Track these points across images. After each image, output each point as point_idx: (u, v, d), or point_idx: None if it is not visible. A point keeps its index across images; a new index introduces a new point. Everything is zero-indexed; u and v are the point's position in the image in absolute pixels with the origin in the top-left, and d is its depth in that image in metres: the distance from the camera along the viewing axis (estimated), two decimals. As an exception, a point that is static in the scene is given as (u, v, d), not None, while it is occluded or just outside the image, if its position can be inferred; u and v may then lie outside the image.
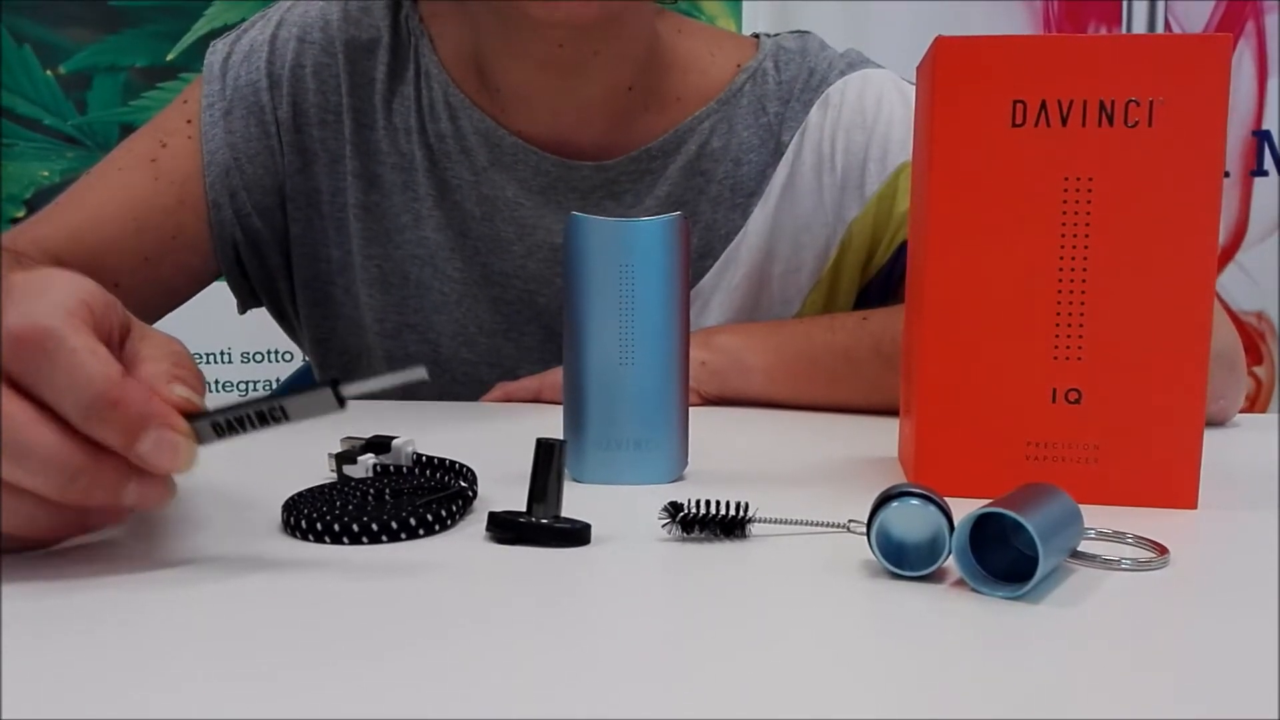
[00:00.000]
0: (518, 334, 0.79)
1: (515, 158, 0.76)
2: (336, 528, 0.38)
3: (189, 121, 0.76)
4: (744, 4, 1.79)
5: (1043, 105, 0.43)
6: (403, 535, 0.38)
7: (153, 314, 0.75)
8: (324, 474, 0.47)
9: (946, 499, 0.35)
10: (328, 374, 0.87)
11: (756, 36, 0.84)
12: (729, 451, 0.55)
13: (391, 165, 0.77)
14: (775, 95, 0.79)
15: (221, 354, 1.77)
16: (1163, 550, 0.37)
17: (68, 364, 0.33)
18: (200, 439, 0.35)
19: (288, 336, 0.91)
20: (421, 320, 0.79)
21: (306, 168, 0.78)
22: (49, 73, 1.81)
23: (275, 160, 0.77)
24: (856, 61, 0.80)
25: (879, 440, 0.56)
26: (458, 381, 0.80)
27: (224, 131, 0.76)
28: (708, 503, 0.39)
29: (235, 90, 0.76)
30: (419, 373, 0.34)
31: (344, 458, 0.45)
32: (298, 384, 1.19)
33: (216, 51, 0.78)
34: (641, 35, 0.76)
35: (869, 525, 0.35)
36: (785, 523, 0.40)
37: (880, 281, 0.79)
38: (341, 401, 0.35)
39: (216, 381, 1.78)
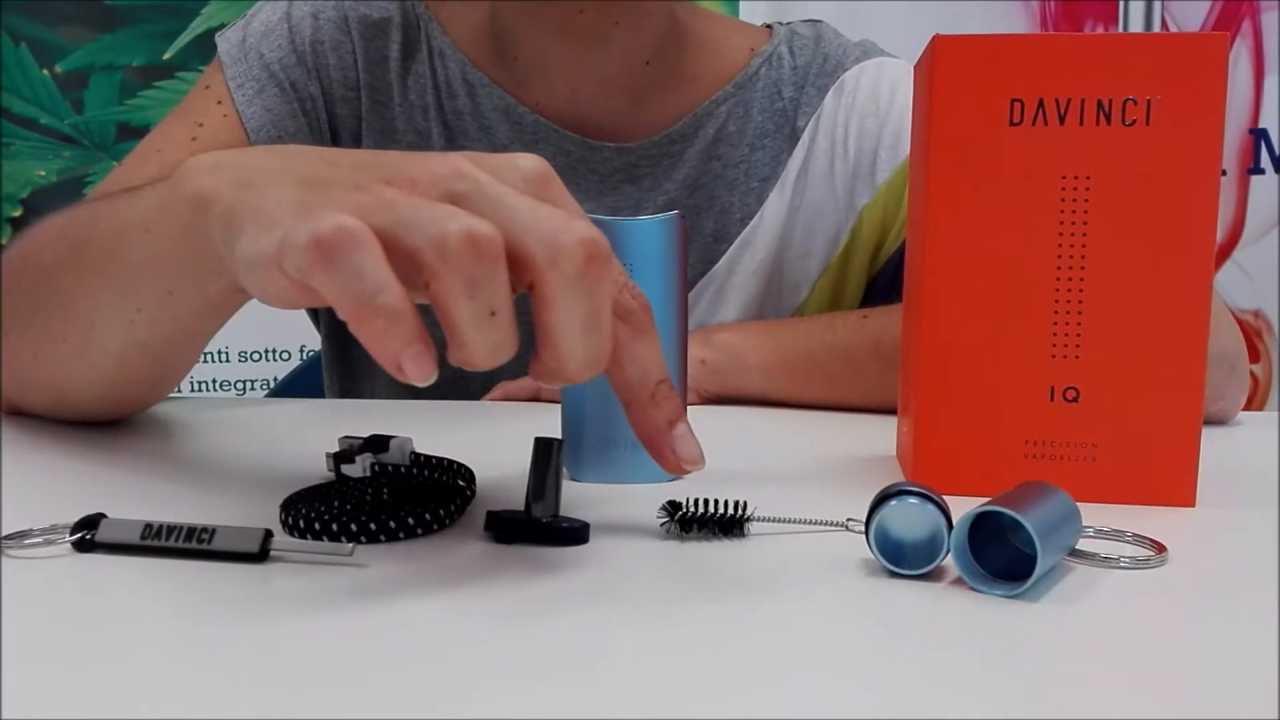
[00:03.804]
0: (529, 316, 0.79)
1: (536, 136, 0.76)
2: (335, 527, 0.37)
3: (220, 103, 0.74)
4: (741, 3, 1.79)
5: (1040, 104, 0.43)
6: (401, 535, 0.38)
7: None
8: (322, 473, 0.47)
9: (945, 497, 0.35)
10: (338, 357, 0.87)
11: (769, 25, 0.84)
12: (728, 450, 0.55)
13: (408, 144, 0.77)
14: (790, 80, 0.80)
15: (219, 354, 1.77)
16: (1161, 548, 0.37)
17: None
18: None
19: (309, 317, 0.92)
20: None
21: (321, 143, 0.77)
22: (45, 72, 1.81)
23: (311, 139, 0.76)
24: (871, 49, 0.81)
25: (877, 439, 0.56)
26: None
27: (262, 109, 0.74)
28: (706, 501, 0.39)
29: (264, 69, 0.75)
30: (346, 548, 0.36)
31: (342, 457, 0.45)
32: (295, 382, 1.18)
33: (228, 39, 0.77)
34: (662, 9, 0.76)
35: (867, 524, 0.35)
36: (784, 521, 0.40)
37: (888, 275, 0.79)
38: (265, 554, 0.36)
39: (214, 381, 1.78)
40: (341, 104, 0.77)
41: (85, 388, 0.55)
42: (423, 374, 0.32)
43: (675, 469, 0.39)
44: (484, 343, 0.32)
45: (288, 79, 0.75)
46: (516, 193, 0.34)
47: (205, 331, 0.50)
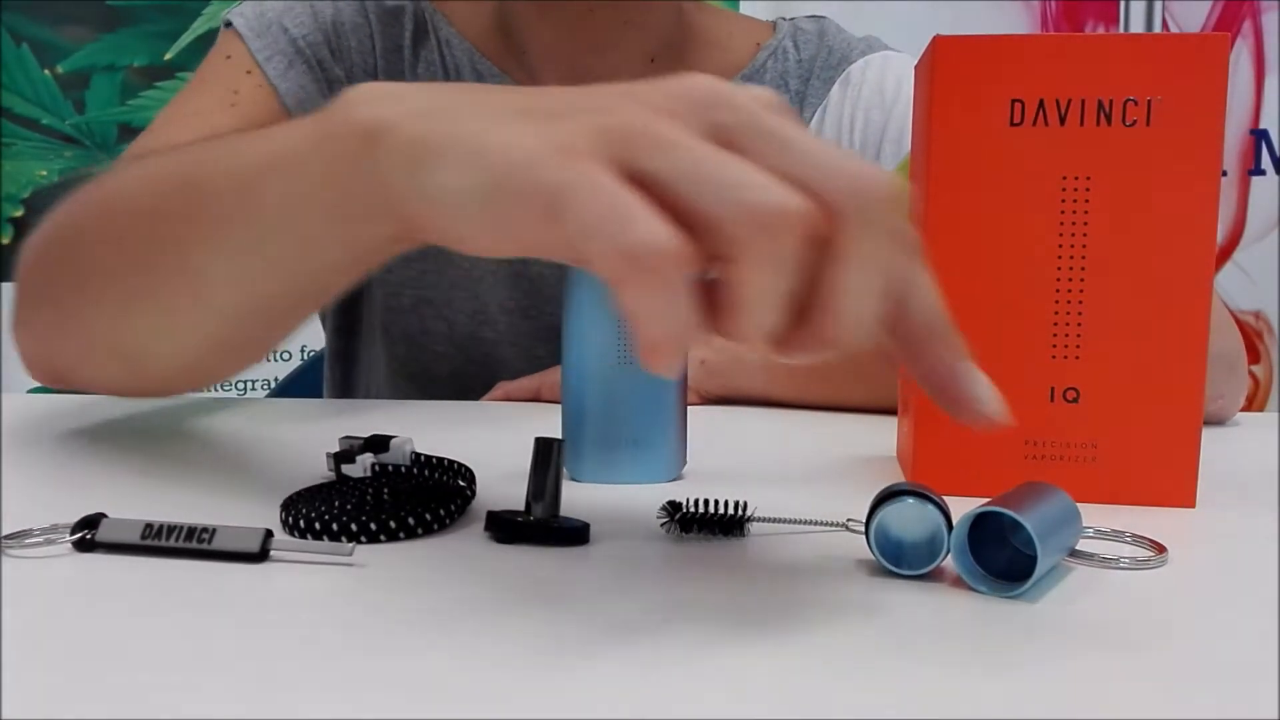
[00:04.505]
0: (537, 312, 0.79)
1: None
2: (335, 527, 0.37)
3: (249, 73, 0.71)
4: (741, 2, 1.79)
5: (1041, 104, 0.43)
6: (401, 535, 0.38)
7: None
8: (322, 473, 0.47)
9: (945, 498, 0.35)
10: (341, 353, 0.87)
11: (772, 21, 0.85)
12: (728, 450, 0.55)
13: None
14: (796, 74, 0.80)
15: (220, 353, 1.77)
16: (1161, 549, 0.37)
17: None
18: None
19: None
20: (439, 296, 0.79)
21: None
22: (47, 72, 1.81)
23: None
24: (875, 44, 0.82)
25: (877, 439, 0.56)
26: (473, 361, 0.79)
27: (296, 85, 0.72)
28: (706, 502, 0.39)
29: (290, 44, 0.73)
30: (346, 548, 0.35)
31: (342, 457, 0.45)
32: (295, 382, 1.18)
33: (244, 14, 0.73)
34: (671, 7, 0.77)
35: (867, 524, 0.35)
36: (783, 522, 0.40)
37: None
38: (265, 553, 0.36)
39: (215, 381, 1.78)
40: None
41: (176, 354, 0.49)
42: (674, 373, 0.30)
43: (977, 418, 0.33)
44: (764, 323, 0.29)
45: (315, 57, 0.73)
46: (792, 126, 0.30)
47: (338, 287, 0.44)
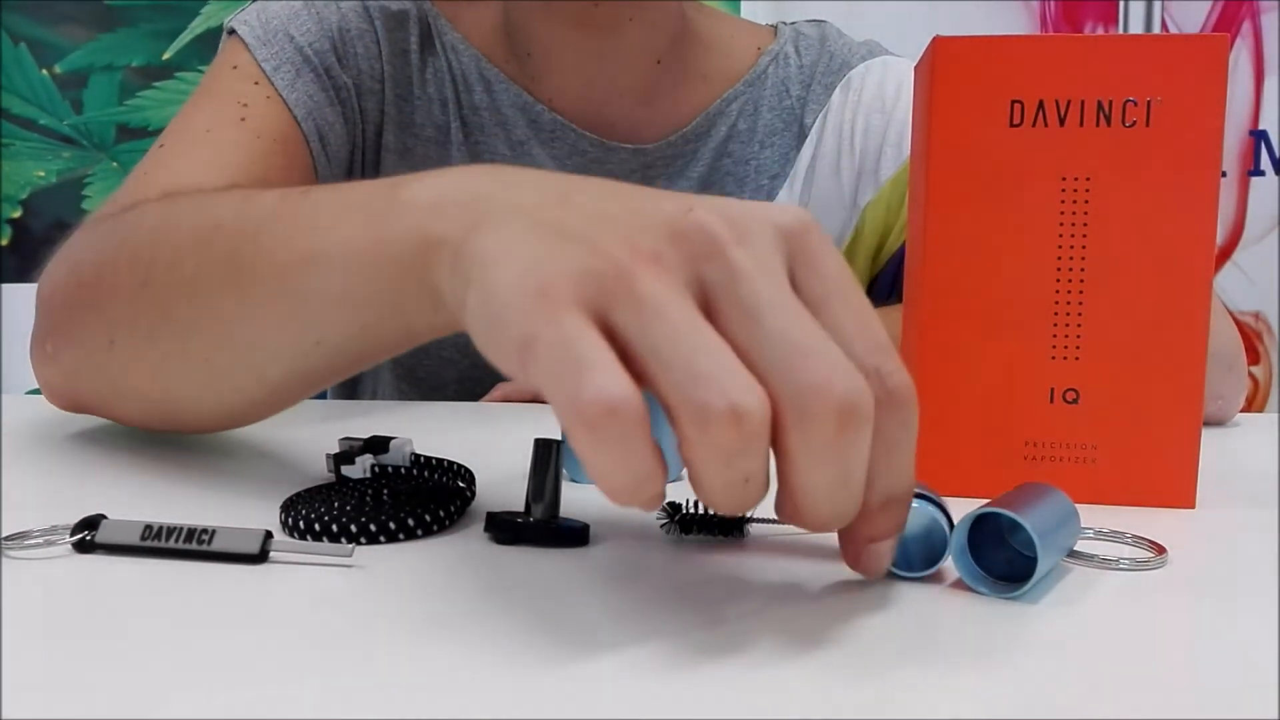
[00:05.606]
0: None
1: (554, 134, 0.76)
2: (334, 528, 0.37)
3: (257, 84, 0.70)
4: (742, 3, 1.79)
5: (1040, 105, 0.43)
6: (401, 536, 0.38)
7: None
8: (322, 474, 0.47)
9: (944, 499, 0.35)
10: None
11: (773, 26, 0.85)
12: (727, 451, 0.55)
13: (426, 139, 0.77)
14: (797, 79, 0.80)
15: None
16: (1160, 550, 0.37)
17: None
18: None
19: None
20: None
21: (354, 136, 0.76)
22: (45, 72, 1.81)
23: (345, 130, 0.74)
24: (876, 49, 0.82)
25: (877, 440, 0.56)
26: (479, 367, 0.79)
27: (305, 95, 0.71)
28: (706, 503, 0.39)
29: (296, 51, 0.72)
30: (346, 549, 0.36)
31: (342, 458, 0.45)
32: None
33: (246, 21, 0.72)
34: (674, 7, 0.77)
35: (867, 525, 0.35)
36: (783, 523, 0.40)
37: (890, 274, 0.80)
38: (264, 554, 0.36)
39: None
40: (368, 95, 0.75)
41: (214, 408, 0.49)
42: (651, 507, 0.30)
43: (854, 566, 0.34)
44: (731, 504, 0.30)
45: (321, 65, 0.72)
46: (773, 296, 0.29)
47: (386, 356, 0.44)
